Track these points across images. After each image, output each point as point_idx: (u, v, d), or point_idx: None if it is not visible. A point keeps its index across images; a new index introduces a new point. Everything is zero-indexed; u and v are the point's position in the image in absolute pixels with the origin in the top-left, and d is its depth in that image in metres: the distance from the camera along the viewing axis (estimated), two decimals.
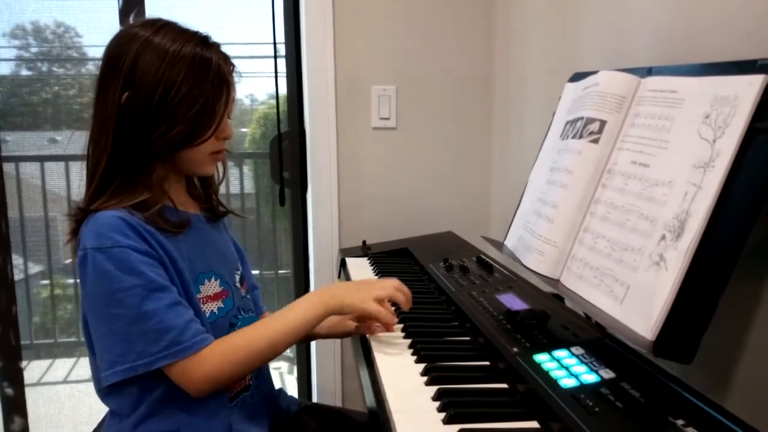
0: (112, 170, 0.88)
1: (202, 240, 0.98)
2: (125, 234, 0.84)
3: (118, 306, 0.82)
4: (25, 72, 2.28)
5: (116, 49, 0.89)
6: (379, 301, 0.92)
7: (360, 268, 1.44)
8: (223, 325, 0.95)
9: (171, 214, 0.92)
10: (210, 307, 0.94)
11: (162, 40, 0.87)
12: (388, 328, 0.95)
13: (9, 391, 1.88)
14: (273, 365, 2.61)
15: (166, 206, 0.92)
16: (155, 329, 0.82)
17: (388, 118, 1.76)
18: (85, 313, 0.87)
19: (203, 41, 0.91)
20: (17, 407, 1.90)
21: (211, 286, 0.95)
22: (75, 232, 0.89)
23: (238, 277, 1.03)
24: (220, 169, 1.04)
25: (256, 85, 2.31)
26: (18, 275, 1.97)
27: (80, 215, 0.89)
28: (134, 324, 0.82)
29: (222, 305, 0.95)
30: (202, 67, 0.88)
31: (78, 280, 0.89)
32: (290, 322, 0.90)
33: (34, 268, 2.59)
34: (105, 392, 0.89)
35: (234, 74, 0.95)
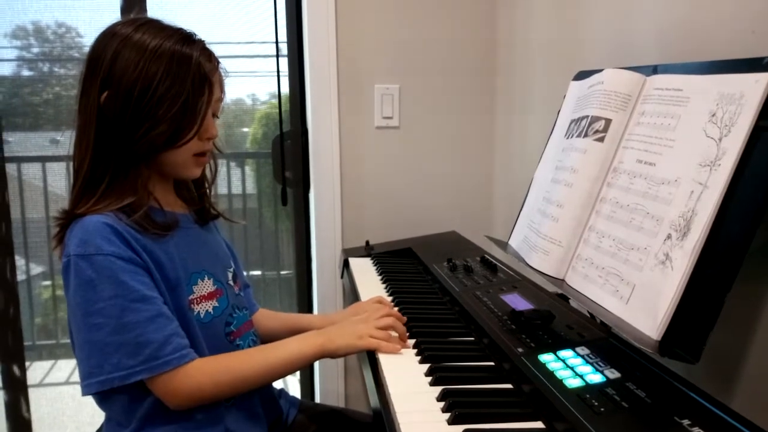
0: (95, 173, 0.86)
1: (193, 240, 0.96)
2: (110, 240, 0.81)
3: (98, 316, 0.80)
4: (26, 72, 2.27)
5: (96, 48, 0.87)
6: (374, 334, 0.92)
7: (363, 268, 1.43)
8: (219, 325, 0.94)
9: (157, 215, 0.89)
10: (205, 307, 0.92)
11: (142, 37, 0.85)
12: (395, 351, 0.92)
13: (12, 392, 1.88)
14: None
15: (153, 208, 0.90)
16: (134, 342, 0.80)
17: (391, 117, 1.76)
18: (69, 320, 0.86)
19: (185, 38, 0.88)
20: (20, 408, 1.90)
21: (205, 286, 0.93)
22: (60, 238, 0.87)
23: (230, 275, 1.01)
24: (208, 171, 1.01)
25: (257, 84, 2.30)
26: (20, 276, 1.97)
27: (66, 220, 0.86)
28: (113, 335, 0.80)
29: (217, 304, 0.94)
30: (181, 63, 0.86)
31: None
32: (284, 356, 0.89)
33: (36, 269, 2.58)
34: (97, 398, 0.88)
35: (220, 72, 0.92)
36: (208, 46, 0.91)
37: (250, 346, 0.99)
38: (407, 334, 0.96)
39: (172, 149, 0.88)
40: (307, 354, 0.90)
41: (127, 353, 0.80)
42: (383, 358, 0.89)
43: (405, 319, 0.99)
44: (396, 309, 1.07)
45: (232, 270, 1.02)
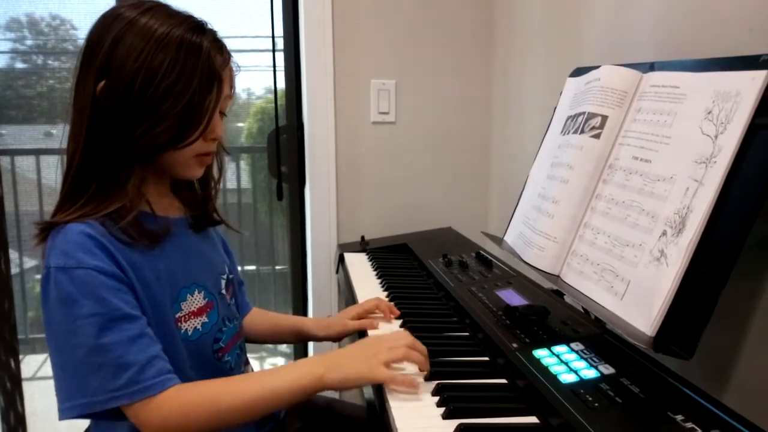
0: (86, 170, 0.79)
1: (185, 249, 0.88)
2: (92, 253, 0.74)
3: (76, 334, 0.73)
4: (20, 65, 2.26)
5: (97, 31, 0.79)
6: (388, 364, 0.78)
7: (358, 263, 1.43)
8: (207, 341, 0.88)
9: (149, 221, 0.82)
10: (193, 324, 0.85)
11: (148, 22, 0.77)
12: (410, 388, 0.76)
13: (5, 385, 1.88)
14: (269, 360, 2.61)
15: (144, 213, 0.82)
16: (113, 365, 0.72)
17: (387, 113, 1.76)
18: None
19: (196, 27, 0.80)
20: (14, 401, 1.90)
21: (195, 301, 0.86)
22: (42, 239, 0.79)
23: (224, 283, 0.94)
24: (215, 170, 0.93)
25: (253, 78, 2.29)
26: (13, 270, 1.96)
27: (47, 226, 0.79)
28: (91, 356, 0.72)
29: (206, 320, 0.87)
30: (190, 54, 0.78)
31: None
32: (273, 388, 0.77)
33: (29, 263, 2.57)
34: None
35: (231, 66, 0.84)
36: (219, 37, 0.83)
37: (236, 362, 0.93)
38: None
39: (173, 150, 0.81)
40: (303, 386, 0.77)
41: (107, 376, 0.72)
42: None
43: (424, 348, 0.82)
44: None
45: (225, 277, 0.96)
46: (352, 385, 0.79)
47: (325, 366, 0.78)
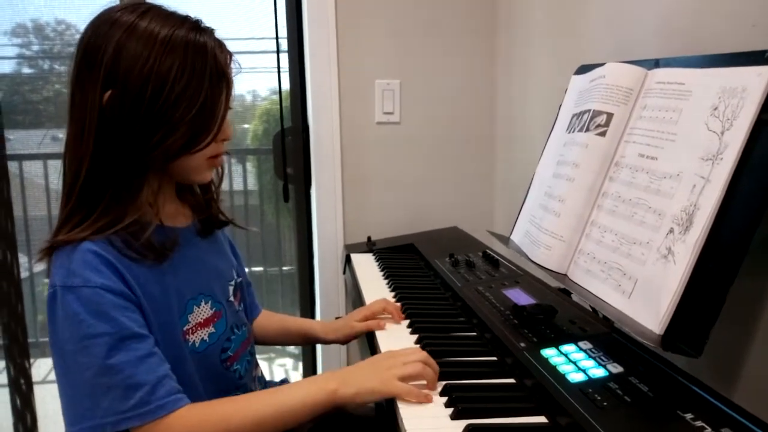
0: (95, 184, 0.76)
1: (192, 259, 0.87)
2: (98, 271, 0.73)
3: (84, 354, 0.71)
4: (26, 70, 2.28)
5: (94, 38, 0.76)
6: (404, 379, 0.76)
7: (365, 264, 1.44)
8: (215, 352, 0.86)
9: (156, 233, 0.79)
10: (200, 335, 0.84)
11: (149, 26, 0.75)
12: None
13: (21, 387, 1.89)
14: (278, 361, 2.62)
15: (152, 224, 0.80)
16: (123, 385, 0.71)
17: (392, 113, 1.76)
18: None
19: (196, 26, 0.78)
20: (26, 405, 1.91)
21: (202, 312, 0.85)
22: (46, 254, 0.78)
23: (231, 289, 0.93)
24: (214, 173, 0.92)
25: (258, 80, 2.30)
26: (23, 273, 1.97)
27: (52, 245, 0.77)
28: (100, 377, 0.71)
29: (213, 330, 0.86)
30: (197, 56, 0.76)
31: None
32: (286, 405, 0.76)
33: (38, 266, 2.59)
34: None
35: (232, 64, 0.82)
36: (217, 35, 0.82)
37: (246, 369, 0.92)
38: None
39: (186, 155, 0.79)
40: (315, 402, 0.76)
41: (116, 397, 0.71)
42: (384, 347, 0.88)
43: (437, 368, 0.80)
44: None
45: (233, 283, 0.95)
46: (365, 399, 0.78)
47: (338, 381, 0.77)
